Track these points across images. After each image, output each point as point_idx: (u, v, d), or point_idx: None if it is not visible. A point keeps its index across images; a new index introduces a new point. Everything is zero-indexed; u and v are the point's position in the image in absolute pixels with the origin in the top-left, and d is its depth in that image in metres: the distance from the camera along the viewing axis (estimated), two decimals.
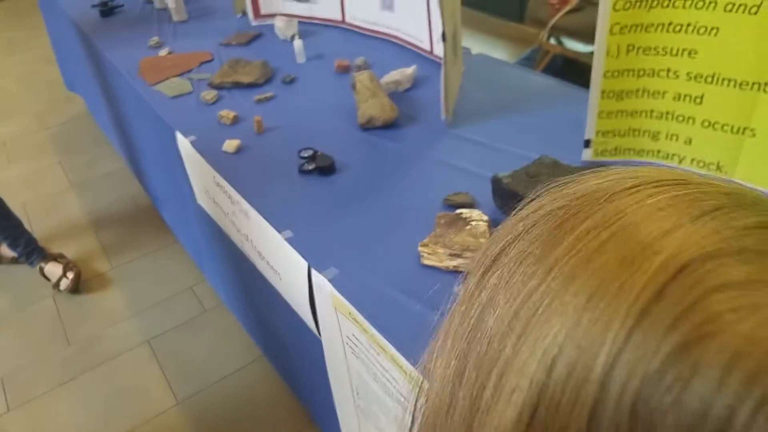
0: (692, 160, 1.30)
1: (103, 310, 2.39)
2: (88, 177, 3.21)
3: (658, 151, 1.33)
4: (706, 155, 1.28)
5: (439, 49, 1.75)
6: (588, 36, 3.04)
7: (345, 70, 1.83)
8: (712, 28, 1.14)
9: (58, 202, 3.04)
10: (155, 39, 2.16)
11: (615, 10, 1.18)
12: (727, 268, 0.25)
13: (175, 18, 2.33)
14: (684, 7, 1.14)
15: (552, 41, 2.91)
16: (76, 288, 2.44)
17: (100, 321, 2.34)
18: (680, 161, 1.32)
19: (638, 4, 1.17)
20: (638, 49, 1.21)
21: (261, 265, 1.46)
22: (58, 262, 2.47)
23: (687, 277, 0.25)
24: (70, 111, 3.84)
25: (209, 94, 1.78)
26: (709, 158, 1.28)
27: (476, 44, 2.15)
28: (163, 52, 2.08)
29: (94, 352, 2.21)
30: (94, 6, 2.56)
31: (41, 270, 2.47)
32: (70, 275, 2.43)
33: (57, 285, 2.45)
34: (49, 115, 3.86)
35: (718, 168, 1.28)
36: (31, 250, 2.47)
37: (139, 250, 2.66)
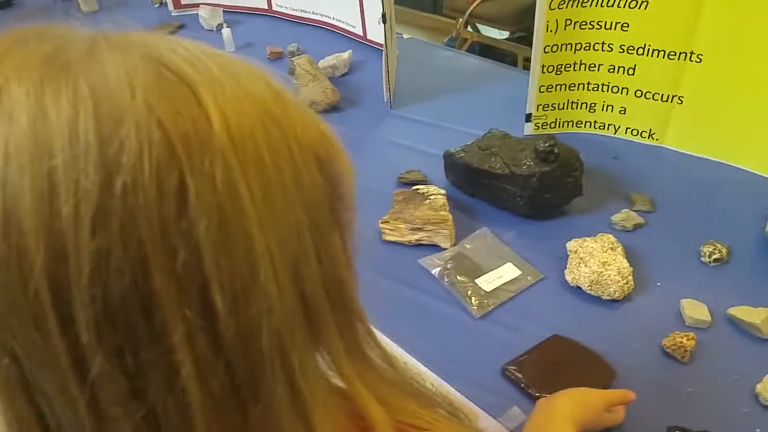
0: (627, 129, 1.38)
1: None
2: None
3: (595, 122, 1.40)
4: (639, 123, 1.36)
5: (373, 34, 1.75)
6: (504, 23, 3.15)
7: (278, 57, 1.80)
8: (642, 2, 1.21)
9: None
10: None
11: None
12: None
13: (84, 8, 2.19)
14: None
15: (469, 29, 2.98)
16: None
17: None
18: (615, 131, 1.39)
19: None
20: (575, 23, 1.27)
21: None
22: None
23: None
24: None
25: None
26: (642, 126, 1.36)
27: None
28: None
29: None
30: None
31: None
32: None
33: None
34: None
35: (650, 135, 1.36)
36: None
37: None
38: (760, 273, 1.03)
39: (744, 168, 1.27)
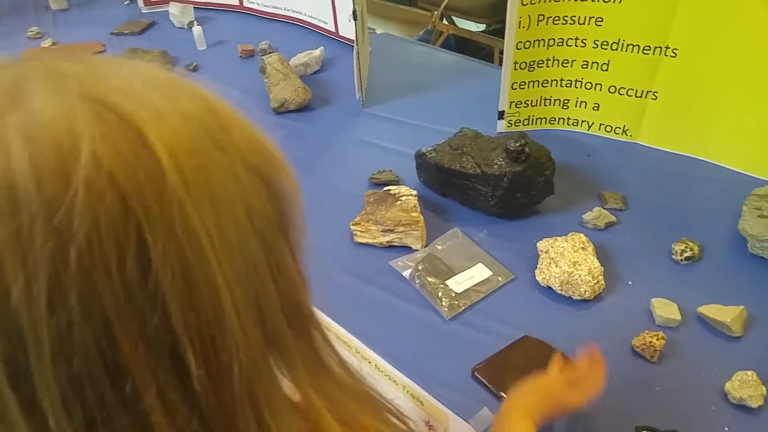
0: (600, 125, 1.37)
1: None
2: None
3: (569, 119, 1.39)
4: (612, 120, 1.35)
5: (345, 30, 1.73)
6: (479, 15, 3.13)
7: (250, 55, 1.77)
8: None
9: None
10: (34, 29, 1.99)
11: None
12: None
13: (53, 6, 2.16)
14: None
15: (444, 22, 2.96)
16: None
17: None
18: (589, 127, 1.38)
19: None
20: (548, 18, 1.25)
21: None
22: None
23: None
24: None
25: None
26: (616, 122, 1.35)
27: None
28: (46, 43, 1.92)
29: None
30: None
31: None
32: None
33: None
34: None
35: (624, 132, 1.35)
36: None
37: None
38: (732, 271, 1.03)
39: (719, 164, 1.27)
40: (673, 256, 1.06)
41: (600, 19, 1.23)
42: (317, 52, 1.69)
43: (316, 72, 1.69)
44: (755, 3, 1.09)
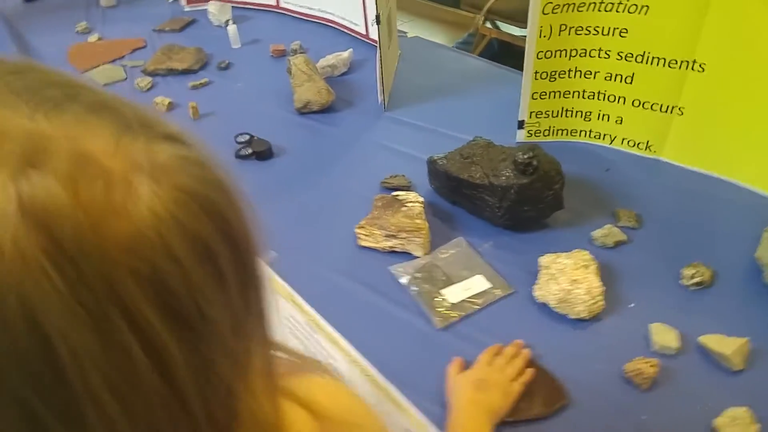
0: (623, 139, 1.33)
1: None
2: None
3: (590, 131, 1.35)
4: (636, 134, 1.31)
5: (374, 33, 1.73)
6: (523, 19, 3.06)
7: (281, 55, 1.79)
8: (642, 6, 1.16)
9: None
10: (83, 24, 2.07)
11: None
12: None
13: (103, 3, 2.23)
14: None
15: (488, 25, 2.93)
16: None
17: None
18: (611, 141, 1.34)
19: None
20: (570, 29, 1.22)
21: None
22: None
23: None
24: None
25: (144, 81, 1.72)
26: (639, 137, 1.31)
27: (413, 29, 2.15)
28: (92, 38, 1.99)
29: None
30: None
31: None
32: None
33: None
34: None
35: (648, 147, 1.31)
36: None
37: None
38: (742, 300, 0.98)
39: (745, 185, 1.21)
40: (682, 281, 1.01)
41: (625, 31, 1.19)
42: (346, 54, 1.69)
43: (343, 74, 1.69)
44: None
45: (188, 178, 0.31)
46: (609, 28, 1.21)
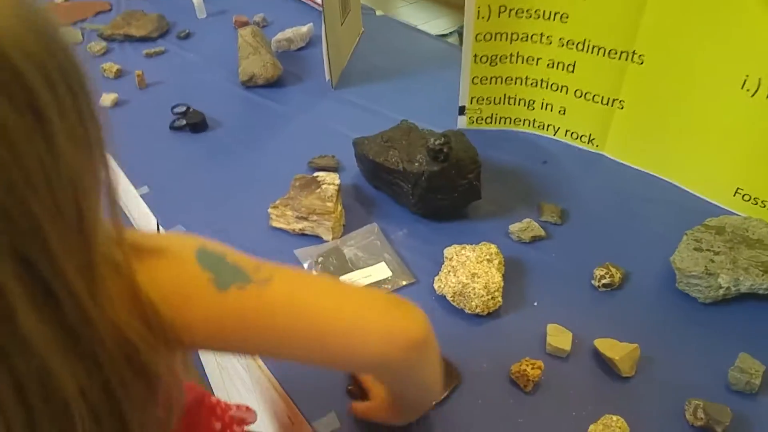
0: (566, 131, 1.27)
1: None
2: None
3: (534, 121, 1.29)
4: (578, 127, 1.25)
5: None
6: None
7: (243, 26, 1.75)
8: None
9: None
10: None
11: None
12: None
13: None
14: None
15: None
16: None
17: None
18: (555, 132, 1.29)
19: None
20: (510, 10, 1.16)
21: (126, 223, 1.40)
22: None
23: None
24: None
25: (97, 46, 1.69)
26: (582, 130, 1.25)
27: (421, 12, 2.09)
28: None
29: None
30: None
31: None
32: None
33: None
34: None
35: (590, 141, 1.25)
36: None
37: None
38: (647, 305, 0.93)
39: (682, 186, 1.15)
40: (593, 281, 0.97)
41: (566, 16, 1.13)
42: (305, 29, 1.65)
43: (300, 48, 1.65)
44: (727, 14, 0.97)
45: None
46: (550, 12, 1.15)
